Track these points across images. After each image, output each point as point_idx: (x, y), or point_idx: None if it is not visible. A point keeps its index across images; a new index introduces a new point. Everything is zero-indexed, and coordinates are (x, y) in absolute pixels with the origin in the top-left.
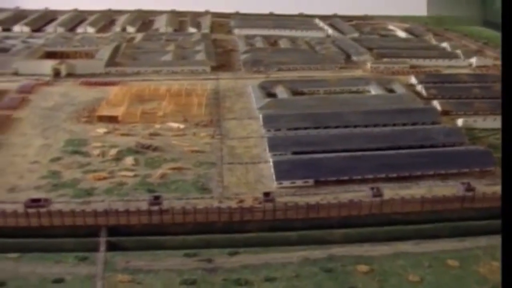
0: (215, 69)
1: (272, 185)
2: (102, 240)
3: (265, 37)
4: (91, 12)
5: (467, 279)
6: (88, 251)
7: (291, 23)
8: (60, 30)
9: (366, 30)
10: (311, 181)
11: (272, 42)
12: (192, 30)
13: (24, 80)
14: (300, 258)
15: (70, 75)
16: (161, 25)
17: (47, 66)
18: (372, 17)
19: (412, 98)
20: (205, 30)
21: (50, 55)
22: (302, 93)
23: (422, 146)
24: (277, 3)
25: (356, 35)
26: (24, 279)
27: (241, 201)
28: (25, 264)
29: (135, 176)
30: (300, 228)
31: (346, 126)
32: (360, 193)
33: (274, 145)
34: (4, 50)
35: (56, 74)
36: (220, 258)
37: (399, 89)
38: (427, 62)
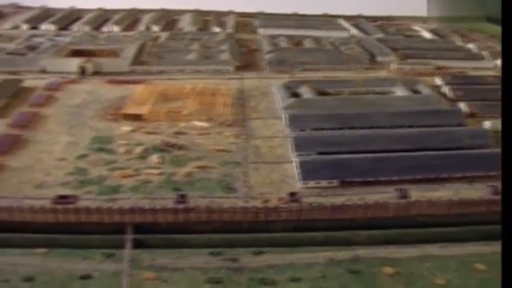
0: (239, 68)
1: (297, 185)
2: (129, 237)
3: (289, 37)
4: (116, 11)
5: (495, 283)
6: (115, 248)
7: (315, 23)
8: (86, 28)
9: (391, 31)
10: (336, 182)
11: (296, 42)
12: (216, 29)
13: (51, 77)
14: (326, 259)
15: (96, 73)
16: (185, 24)
17: (74, 64)
18: (396, 18)
19: (437, 100)
20: (229, 29)
21: (76, 53)
22: (326, 93)
23: (448, 148)
24: (301, 3)
25: (380, 35)
26: (52, 274)
27: (266, 200)
28: (52, 260)
29: (160, 174)
30: (325, 228)
31: (371, 127)
32: (385, 195)
33: (299, 145)
34: (32, 48)
35: (82, 72)
36: (245, 258)
37: (425, 91)
38: (452, 64)
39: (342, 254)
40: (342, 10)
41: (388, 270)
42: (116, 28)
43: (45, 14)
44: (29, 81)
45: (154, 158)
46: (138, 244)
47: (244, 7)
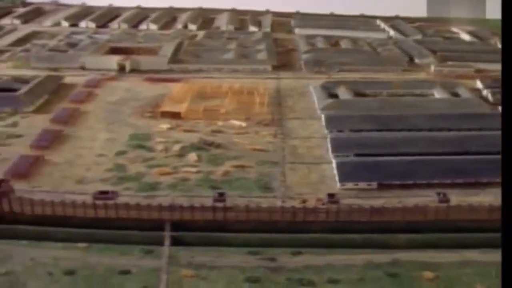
0: (276, 68)
1: (335, 186)
2: (167, 234)
3: (326, 37)
4: (153, 9)
5: None
6: (153, 244)
7: (352, 24)
8: (124, 26)
9: (429, 32)
10: (374, 184)
11: (333, 42)
12: (252, 28)
13: (90, 74)
14: (364, 261)
15: (134, 70)
16: (222, 23)
17: (113, 61)
18: (434, 19)
19: (478, 103)
20: (266, 29)
21: (115, 50)
22: (364, 95)
23: (488, 153)
24: (337, 4)
25: (419, 37)
26: (92, 269)
27: (304, 201)
28: (93, 254)
29: (198, 172)
30: (362, 231)
31: (409, 130)
32: (425, 198)
33: (337, 146)
34: (72, 45)
35: (121, 69)
36: (283, 258)
37: (464, 94)
38: (493, 67)
39: (381, 257)
40: (379, 11)
41: (428, 274)
42: (153, 26)
43: (84, 11)
44: (69, 78)
45: (192, 156)
46: (176, 241)
47: (280, 7)
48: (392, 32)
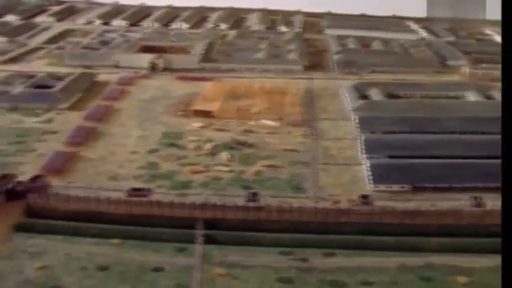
0: (307, 68)
1: (367, 188)
2: (200, 232)
3: (358, 38)
4: (184, 9)
5: None
6: (186, 242)
7: (383, 25)
8: (156, 25)
9: (462, 34)
10: (407, 186)
11: (365, 43)
12: (283, 29)
13: (123, 72)
14: (397, 264)
15: (165, 69)
16: (253, 23)
17: (145, 60)
18: (466, 21)
19: None
20: (297, 29)
21: (147, 49)
22: (397, 96)
23: None
24: (368, 4)
25: (451, 38)
26: (126, 265)
27: (337, 202)
28: (126, 251)
29: (230, 171)
30: (394, 233)
31: (443, 132)
32: (458, 202)
33: (370, 148)
34: (105, 43)
35: (153, 68)
36: (315, 258)
37: (499, 96)
38: None
39: (414, 260)
40: (411, 12)
41: (462, 279)
42: (184, 25)
43: (117, 10)
44: (102, 75)
45: (224, 155)
46: (208, 240)
47: (311, 7)
48: (424, 33)
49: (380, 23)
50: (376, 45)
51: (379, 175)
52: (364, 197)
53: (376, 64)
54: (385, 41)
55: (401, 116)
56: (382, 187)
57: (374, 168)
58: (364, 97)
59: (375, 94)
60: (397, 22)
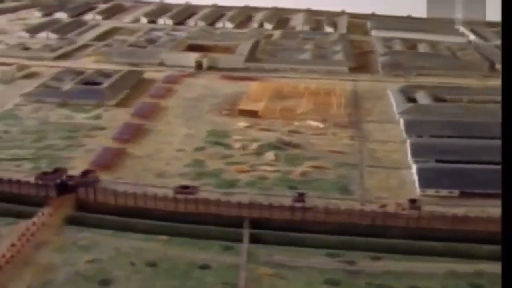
0: (352, 70)
1: (415, 192)
2: (246, 231)
3: (403, 40)
4: (229, 8)
5: None
6: (232, 241)
7: (430, 27)
8: (201, 24)
9: None
10: (456, 192)
11: (411, 45)
12: (328, 29)
13: (169, 70)
14: (445, 270)
15: (210, 68)
16: (298, 23)
17: (191, 58)
18: None
19: None
20: (342, 30)
21: (192, 48)
22: (443, 100)
23: None
24: (414, 6)
25: (500, 42)
26: (173, 261)
27: (384, 205)
28: (173, 247)
29: (276, 171)
30: (442, 239)
31: (491, 138)
32: None
33: (417, 152)
34: (151, 41)
35: (199, 66)
36: (362, 261)
37: None
38: None
39: (463, 267)
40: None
41: None
42: (229, 25)
43: (162, 9)
44: (148, 73)
45: (270, 155)
46: (254, 239)
47: (356, 8)
48: (472, 37)
49: (426, 25)
50: (423, 48)
51: (427, 179)
52: (412, 201)
53: (422, 66)
54: (432, 44)
55: (448, 120)
56: (429, 191)
57: (422, 172)
58: (411, 100)
59: (421, 97)
60: (444, 25)
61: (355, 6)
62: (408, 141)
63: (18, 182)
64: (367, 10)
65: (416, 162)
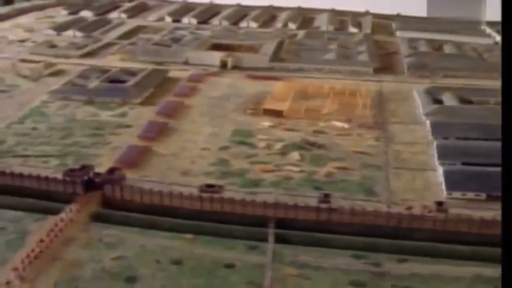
0: (377, 70)
1: (441, 194)
2: (271, 231)
3: (429, 41)
4: (253, 8)
5: None
6: (257, 240)
7: (455, 28)
8: (225, 23)
9: None
10: (483, 195)
11: (437, 46)
12: (352, 30)
13: (193, 69)
14: (473, 274)
15: (235, 67)
16: (322, 23)
17: (215, 57)
18: None
19: None
20: (366, 30)
21: (216, 47)
22: (470, 102)
23: None
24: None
25: None
26: (198, 260)
27: (410, 207)
28: (198, 246)
29: (300, 171)
30: (469, 242)
31: None
32: None
33: (443, 154)
34: (175, 40)
35: (223, 65)
36: (388, 264)
37: None
38: None
39: (491, 271)
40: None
41: None
42: (253, 24)
43: (186, 8)
44: (173, 72)
45: (295, 155)
46: (279, 239)
47: (381, 9)
48: (498, 38)
49: (452, 26)
50: (448, 49)
51: (454, 182)
52: (439, 203)
53: (448, 68)
54: (457, 45)
55: (475, 122)
56: (456, 194)
57: (449, 175)
58: (437, 101)
59: (447, 99)
60: (470, 26)
61: (380, 6)
62: (434, 143)
63: (46, 178)
64: (393, 11)
65: (443, 164)
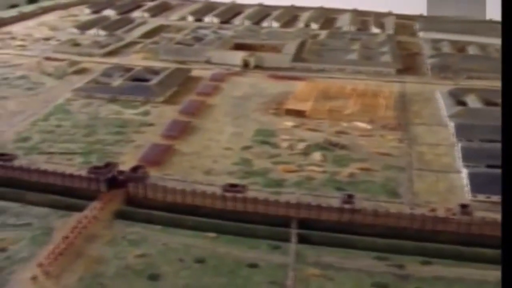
0: (400, 71)
1: (464, 197)
2: (294, 231)
3: (452, 42)
4: (275, 7)
5: None
6: (280, 240)
7: (479, 29)
8: (247, 23)
9: None
10: None
11: (460, 47)
12: (375, 30)
13: (216, 69)
14: (497, 278)
15: (257, 67)
16: (344, 23)
17: (238, 57)
18: None
19: None
20: (389, 31)
21: (239, 46)
22: (494, 104)
23: None
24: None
25: None
26: (221, 259)
27: (433, 210)
28: (221, 245)
29: (323, 172)
30: (495, 245)
31: None
32: None
33: (467, 156)
34: (198, 39)
35: (245, 65)
36: (411, 266)
37: None
38: None
39: None
40: (410, 11)
41: None
42: (275, 24)
43: (208, 7)
44: (195, 71)
45: (317, 155)
46: (302, 239)
47: (403, 9)
48: None
49: (476, 27)
50: (472, 50)
51: (478, 184)
52: (464, 206)
53: (472, 69)
54: (481, 46)
55: (499, 124)
56: (480, 197)
57: (472, 177)
58: (461, 103)
59: (471, 101)
60: (494, 27)
61: (403, 7)
62: (458, 145)
63: (71, 175)
64: (416, 11)
65: (467, 166)
